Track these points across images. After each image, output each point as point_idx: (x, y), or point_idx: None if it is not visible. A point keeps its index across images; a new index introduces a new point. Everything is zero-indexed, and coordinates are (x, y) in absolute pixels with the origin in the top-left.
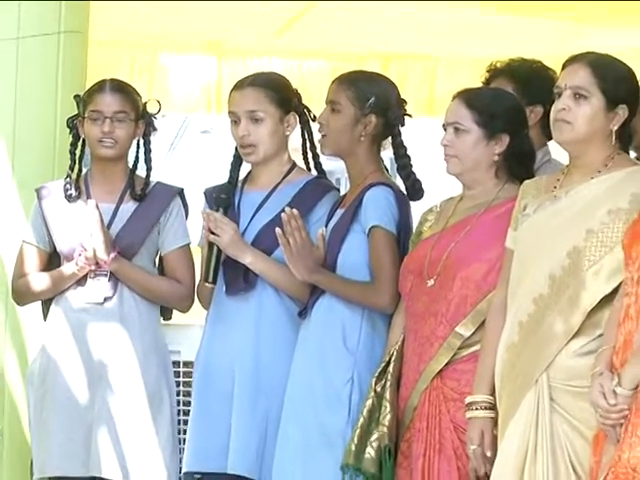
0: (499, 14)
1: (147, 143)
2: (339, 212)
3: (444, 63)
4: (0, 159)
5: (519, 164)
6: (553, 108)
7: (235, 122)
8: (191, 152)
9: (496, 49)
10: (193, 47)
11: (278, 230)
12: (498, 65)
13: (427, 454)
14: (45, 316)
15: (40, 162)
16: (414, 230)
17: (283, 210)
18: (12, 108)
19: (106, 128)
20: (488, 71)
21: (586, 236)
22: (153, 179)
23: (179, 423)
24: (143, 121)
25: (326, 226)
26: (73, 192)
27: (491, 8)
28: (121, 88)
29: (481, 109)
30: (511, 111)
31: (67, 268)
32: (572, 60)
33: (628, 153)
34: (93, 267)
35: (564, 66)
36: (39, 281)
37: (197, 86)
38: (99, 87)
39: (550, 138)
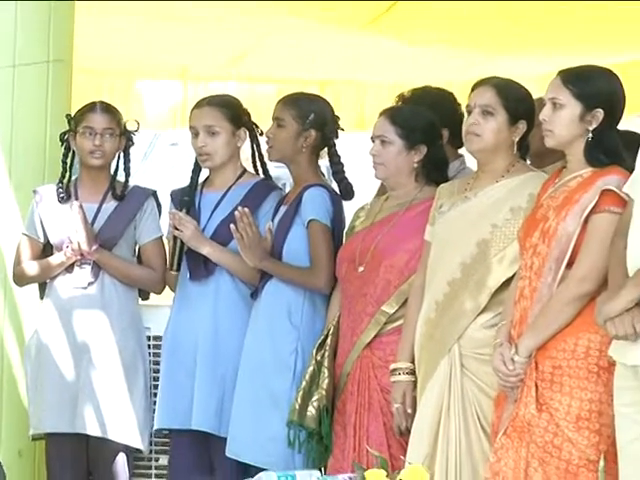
0: (417, 46)
1: (127, 154)
2: (283, 208)
3: (371, 87)
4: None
5: (435, 170)
6: (465, 122)
7: (195, 135)
8: (161, 161)
9: (414, 75)
10: (162, 73)
11: (232, 226)
12: (405, 94)
13: (358, 412)
14: (42, 295)
15: (33, 168)
16: (348, 224)
17: (236, 208)
18: (9, 124)
19: (97, 142)
20: (397, 101)
21: (492, 230)
22: (131, 183)
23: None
24: (124, 136)
25: (272, 220)
26: (64, 194)
27: (411, 40)
28: (109, 109)
29: (403, 124)
30: (428, 126)
31: (56, 258)
32: (480, 83)
33: (526, 161)
34: (79, 257)
35: (473, 88)
36: (31, 268)
37: (166, 106)
38: (91, 107)
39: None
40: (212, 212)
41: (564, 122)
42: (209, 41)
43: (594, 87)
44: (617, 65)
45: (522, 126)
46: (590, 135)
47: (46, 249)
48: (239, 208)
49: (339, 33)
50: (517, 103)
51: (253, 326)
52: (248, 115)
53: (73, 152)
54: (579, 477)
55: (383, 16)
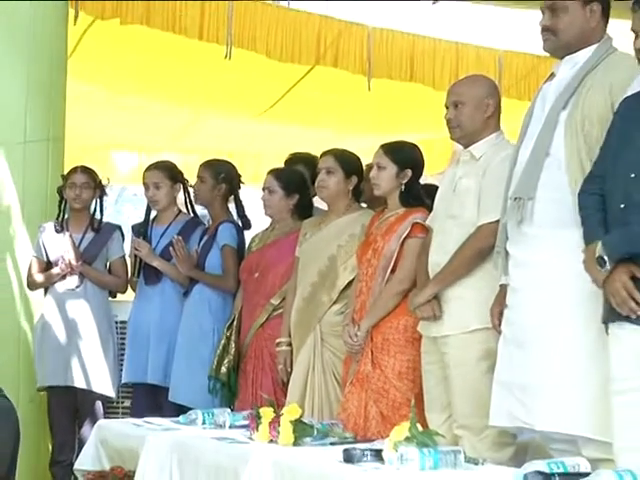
0: (292, 127)
1: (101, 201)
2: (205, 237)
3: (265, 154)
4: (16, 212)
5: (304, 210)
6: (317, 180)
7: (147, 188)
8: (127, 206)
9: (290, 147)
10: (127, 146)
11: (171, 248)
12: (294, 156)
13: (255, 370)
14: (45, 293)
15: (39, 211)
16: (247, 246)
17: (174, 237)
18: (22, 182)
19: (77, 192)
20: (290, 159)
21: (337, 249)
22: (104, 220)
23: None
24: (99, 188)
25: (198, 245)
26: (59, 228)
27: (289, 123)
28: (86, 170)
29: (283, 179)
30: (300, 180)
31: (55, 270)
32: (324, 153)
33: (359, 203)
34: (69, 270)
35: (321, 156)
36: (39, 278)
37: (129, 168)
38: (74, 170)
39: None
40: (159, 239)
41: (385, 179)
42: (157, 127)
43: (405, 155)
44: (420, 141)
45: (354, 179)
46: (403, 187)
47: (48, 265)
48: (176, 237)
49: (243, 118)
50: (350, 165)
51: (186, 313)
52: (181, 174)
53: (65, 200)
54: (400, 410)
55: (271, 108)
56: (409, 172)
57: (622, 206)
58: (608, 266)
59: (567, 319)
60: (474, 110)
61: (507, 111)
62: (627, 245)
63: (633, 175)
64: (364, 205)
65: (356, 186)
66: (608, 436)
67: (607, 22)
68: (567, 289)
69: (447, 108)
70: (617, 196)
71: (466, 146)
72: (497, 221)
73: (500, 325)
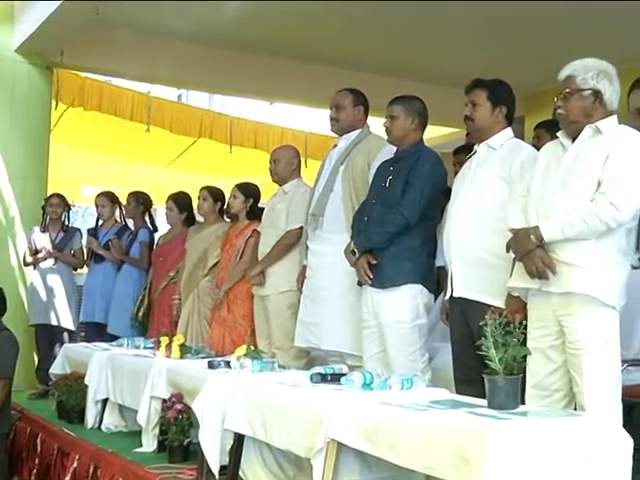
0: (185, 172)
1: (68, 214)
2: (130, 236)
3: (165, 190)
4: (17, 220)
5: (189, 221)
6: (197, 204)
7: (97, 207)
8: (90, 218)
9: (185, 184)
10: (88, 182)
11: (110, 243)
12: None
13: (159, 314)
14: (34, 268)
15: (30, 219)
16: (155, 242)
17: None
18: (21, 202)
19: (54, 209)
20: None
21: (209, 244)
22: (71, 225)
23: None
24: (67, 207)
25: (126, 241)
26: (43, 229)
27: (184, 170)
28: (59, 196)
29: (179, 202)
30: (189, 203)
31: (40, 255)
32: (202, 188)
33: (223, 218)
34: (48, 255)
35: (200, 190)
36: (29, 259)
37: (91, 195)
38: (51, 195)
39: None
40: (103, 237)
41: (237, 204)
42: (105, 170)
43: (249, 190)
44: (259, 182)
45: (219, 204)
46: (248, 208)
47: (35, 251)
48: (113, 236)
49: (156, 166)
50: (217, 195)
51: (118, 280)
52: (118, 199)
53: (46, 213)
54: (243, 338)
55: (172, 162)
56: (251, 200)
57: (366, 219)
58: (357, 255)
59: (338, 284)
60: (286, 165)
61: (310, 166)
62: (365, 243)
63: (374, 201)
64: (227, 219)
65: (220, 208)
66: (360, 352)
67: (367, 116)
68: (339, 267)
69: (270, 164)
70: (366, 214)
71: (281, 185)
72: (299, 228)
73: (302, 288)
